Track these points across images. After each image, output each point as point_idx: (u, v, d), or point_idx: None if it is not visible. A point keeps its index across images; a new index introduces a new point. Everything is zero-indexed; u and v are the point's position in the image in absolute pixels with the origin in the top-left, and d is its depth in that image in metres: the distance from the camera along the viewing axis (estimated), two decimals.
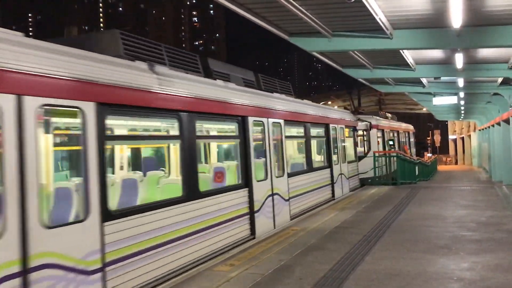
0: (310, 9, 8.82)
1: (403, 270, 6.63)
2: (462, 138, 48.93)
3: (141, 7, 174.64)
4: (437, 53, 13.00)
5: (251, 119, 9.34)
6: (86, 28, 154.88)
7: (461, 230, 9.35)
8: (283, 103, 11.23)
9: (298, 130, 13.04)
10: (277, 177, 10.43)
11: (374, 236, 9.04)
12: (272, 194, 10.06)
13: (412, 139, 33.36)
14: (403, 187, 18.63)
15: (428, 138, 69.33)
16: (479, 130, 33.85)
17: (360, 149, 20.56)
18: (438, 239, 8.64)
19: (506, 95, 17.48)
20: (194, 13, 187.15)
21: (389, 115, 29.10)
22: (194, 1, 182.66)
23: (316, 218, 11.36)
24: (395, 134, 26.35)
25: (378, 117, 22.97)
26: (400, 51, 12.00)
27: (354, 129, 18.02)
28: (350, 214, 11.80)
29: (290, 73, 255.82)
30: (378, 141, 21.54)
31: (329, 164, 14.75)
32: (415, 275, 6.40)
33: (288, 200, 11.00)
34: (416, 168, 21.91)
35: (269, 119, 10.23)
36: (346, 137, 17.16)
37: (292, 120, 11.68)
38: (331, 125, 14.95)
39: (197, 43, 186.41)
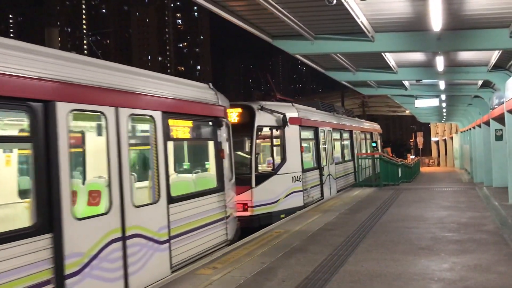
0: (293, 12, 8.84)
1: (385, 271, 6.67)
2: (445, 140, 49.54)
3: (124, 9, 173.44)
4: (418, 56, 13.15)
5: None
6: (69, 30, 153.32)
7: (442, 231, 9.45)
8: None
9: None
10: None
11: (357, 238, 9.09)
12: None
13: (376, 140, 26.98)
14: (386, 189, 18.79)
15: (411, 140, 70.03)
16: (461, 132, 34.30)
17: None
18: (419, 240, 8.73)
19: (486, 97, 17.75)
20: (178, 15, 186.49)
21: (341, 108, 21.64)
22: (178, 3, 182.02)
23: (300, 220, 11.38)
24: (347, 135, 19.64)
25: (304, 107, 14.72)
26: (382, 54, 12.11)
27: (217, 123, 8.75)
28: (333, 216, 11.85)
29: (274, 75, 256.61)
30: (302, 147, 13.39)
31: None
32: (396, 276, 6.45)
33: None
34: (399, 170, 22.11)
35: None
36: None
37: None
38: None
39: (181, 45, 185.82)
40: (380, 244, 8.51)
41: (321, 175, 15.01)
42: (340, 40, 10.26)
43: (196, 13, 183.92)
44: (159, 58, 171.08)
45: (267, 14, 8.83)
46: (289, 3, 8.36)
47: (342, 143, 18.96)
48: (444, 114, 31.59)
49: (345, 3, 7.35)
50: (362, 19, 8.77)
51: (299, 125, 13.31)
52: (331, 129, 16.83)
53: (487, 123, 18.31)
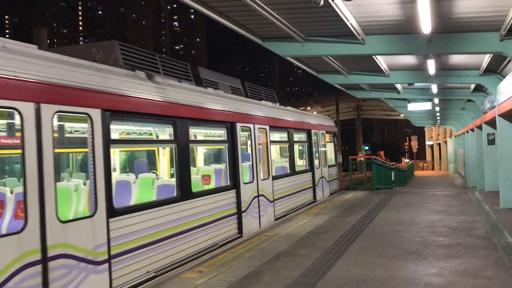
0: (282, 13, 8.78)
1: (372, 276, 6.59)
2: (439, 144, 49.66)
3: (121, 10, 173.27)
4: (410, 59, 13.11)
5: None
6: (65, 31, 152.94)
7: (432, 235, 9.38)
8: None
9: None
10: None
11: (346, 241, 9.01)
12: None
13: (328, 142, 17.57)
14: (379, 192, 18.75)
15: (405, 143, 70.22)
16: (455, 136, 34.37)
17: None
18: (409, 244, 8.65)
19: (478, 101, 17.75)
20: (175, 17, 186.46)
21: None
22: (174, 5, 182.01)
23: (290, 223, 11.30)
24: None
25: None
26: (373, 56, 12.06)
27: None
28: (323, 219, 11.77)
29: (270, 78, 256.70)
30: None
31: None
32: (383, 280, 6.37)
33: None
34: (392, 173, 22.09)
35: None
36: None
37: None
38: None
39: (177, 47, 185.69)
40: (369, 248, 8.43)
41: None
42: (330, 43, 10.21)
43: (192, 16, 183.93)
44: None
45: (256, 16, 8.77)
46: (279, 4, 8.30)
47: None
48: (438, 118, 31.63)
49: (333, 4, 7.28)
50: (352, 21, 8.72)
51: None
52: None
53: (479, 127, 18.31)
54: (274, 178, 12.00)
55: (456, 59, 12.60)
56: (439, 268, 6.92)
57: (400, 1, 7.68)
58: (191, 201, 8.01)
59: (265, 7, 8.31)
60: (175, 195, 7.68)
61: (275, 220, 11.69)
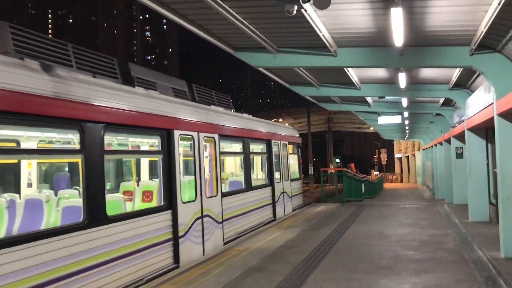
0: (255, 23, 8.62)
1: None
2: (407, 157, 50.40)
3: (92, 19, 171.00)
4: (381, 73, 13.16)
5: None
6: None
7: (403, 250, 9.31)
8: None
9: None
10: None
11: (318, 256, 8.84)
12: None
13: (291, 154, 16.75)
14: (350, 205, 18.73)
15: (375, 156, 71.10)
16: (423, 149, 34.90)
17: None
18: (380, 258, 8.54)
19: (447, 115, 18.01)
20: (147, 27, 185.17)
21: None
22: (147, 15, 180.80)
23: (261, 237, 11.07)
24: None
25: None
26: (345, 69, 12.04)
27: None
28: (295, 233, 11.59)
29: (243, 90, 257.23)
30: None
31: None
32: None
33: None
34: (363, 185, 22.15)
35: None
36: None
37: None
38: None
39: (149, 57, 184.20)
40: (340, 263, 8.28)
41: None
42: (303, 54, 10.10)
43: (165, 26, 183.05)
44: None
45: (228, 25, 8.58)
46: (251, 13, 8.14)
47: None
48: (407, 131, 32.08)
49: (306, 15, 7.17)
50: (324, 33, 8.63)
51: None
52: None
53: (448, 141, 18.56)
54: (225, 195, 10.61)
55: (427, 73, 12.72)
56: (412, 284, 6.81)
57: (373, 13, 7.64)
58: (104, 227, 6.35)
59: (237, 16, 8.13)
60: (81, 220, 6.06)
61: (225, 244, 10.16)
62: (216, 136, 10.26)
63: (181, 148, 8.67)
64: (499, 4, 6.48)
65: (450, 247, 9.46)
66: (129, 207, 8.54)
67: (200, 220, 9.16)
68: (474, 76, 11.97)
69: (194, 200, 9.03)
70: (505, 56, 8.73)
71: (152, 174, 11.32)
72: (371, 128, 41.11)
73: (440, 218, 14.12)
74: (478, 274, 7.30)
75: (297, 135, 17.93)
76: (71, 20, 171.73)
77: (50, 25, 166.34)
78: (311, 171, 44.29)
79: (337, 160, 24.57)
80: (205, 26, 9.04)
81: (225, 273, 7.69)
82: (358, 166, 61.15)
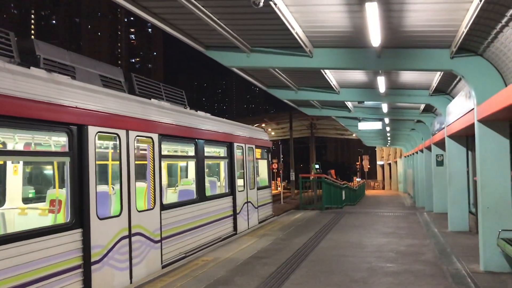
0: (224, 19, 8.11)
1: None
2: (389, 164, 50.36)
3: (76, 21, 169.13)
4: (360, 76, 12.76)
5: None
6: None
7: (379, 261, 8.85)
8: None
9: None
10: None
11: (289, 268, 8.33)
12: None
13: (259, 159, 15.63)
14: (328, 212, 18.28)
15: (357, 163, 71.13)
16: (405, 156, 34.76)
17: None
18: (355, 271, 8.07)
19: (428, 122, 17.71)
20: (132, 30, 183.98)
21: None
22: (132, 18, 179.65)
23: (232, 246, 10.53)
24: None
25: None
26: (322, 72, 11.60)
27: None
28: (269, 242, 11.08)
29: (228, 94, 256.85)
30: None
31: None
32: None
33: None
34: (343, 192, 21.75)
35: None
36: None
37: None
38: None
39: (133, 60, 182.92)
40: (312, 275, 7.77)
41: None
42: (277, 54, 9.61)
43: (149, 29, 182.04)
44: None
45: (197, 20, 8.04)
46: (219, 7, 7.63)
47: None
48: (389, 138, 31.87)
49: (275, 9, 6.67)
50: (298, 31, 8.15)
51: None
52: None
53: (429, 148, 18.27)
54: (166, 207, 8.84)
55: (407, 77, 12.35)
56: None
57: (348, 10, 7.18)
58: None
59: (206, 11, 7.62)
60: None
61: (163, 267, 8.44)
62: (155, 136, 8.52)
63: (99, 149, 7.09)
64: (480, 0, 6.07)
65: (428, 259, 9.03)
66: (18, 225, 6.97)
67: (127, 240, 7.40)
68: (455, 81, 11.62)
69: (118, 215, 7.27)
70: (486, 60, 8.36)
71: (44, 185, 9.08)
72: (354, 135, 40.91)
73: (419, 227, 13.74)
74: None
75: (267, 138, 16.30)
76: (54, 21, 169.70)
77: (32, 26, 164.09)
78: (292, 177, 43.94)
79: (317, 166, 24.14)
80: (176, 23, 8.52)
81: (190, 286, 7.14)
82: (340, 173, 61.09)
